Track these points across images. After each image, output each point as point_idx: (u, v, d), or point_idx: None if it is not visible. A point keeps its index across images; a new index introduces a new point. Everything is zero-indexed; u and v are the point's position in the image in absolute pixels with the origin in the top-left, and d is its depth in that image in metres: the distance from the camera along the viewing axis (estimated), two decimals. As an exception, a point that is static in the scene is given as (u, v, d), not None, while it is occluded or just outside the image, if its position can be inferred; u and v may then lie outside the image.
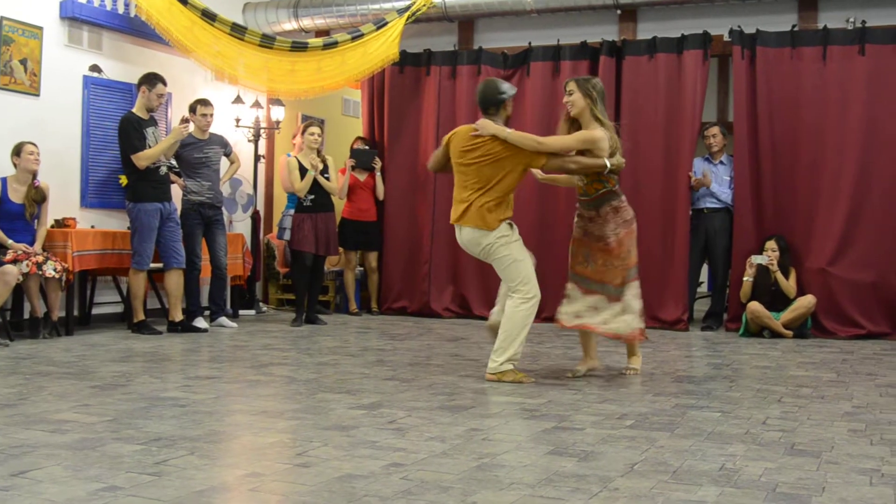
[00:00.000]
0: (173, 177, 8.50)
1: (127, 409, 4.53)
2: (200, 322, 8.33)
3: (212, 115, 8.69)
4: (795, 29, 8.91)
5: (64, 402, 4.70)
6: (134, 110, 8.06)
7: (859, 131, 8.61)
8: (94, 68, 8.65)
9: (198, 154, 8.60)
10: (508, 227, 5.71)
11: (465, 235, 5.76)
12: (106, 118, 8.64)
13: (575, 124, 5.81)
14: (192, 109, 8.63)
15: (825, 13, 8.99)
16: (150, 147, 7.94)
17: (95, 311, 8.71)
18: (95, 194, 8.68)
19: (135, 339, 7.59)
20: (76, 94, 8.51)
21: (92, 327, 8.39)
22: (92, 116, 8.61)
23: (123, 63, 8.91)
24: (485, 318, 6.59)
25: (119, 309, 8.92)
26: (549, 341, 7.94)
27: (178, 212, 8.40)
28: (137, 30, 8.81)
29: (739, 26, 9.02)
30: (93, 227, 8.41)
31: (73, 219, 8.07)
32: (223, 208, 9.05)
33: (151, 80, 8.03)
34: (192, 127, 8.32)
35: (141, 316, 8.03)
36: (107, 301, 8.88)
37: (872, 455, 3.79)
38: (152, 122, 8.12)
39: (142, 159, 7.88)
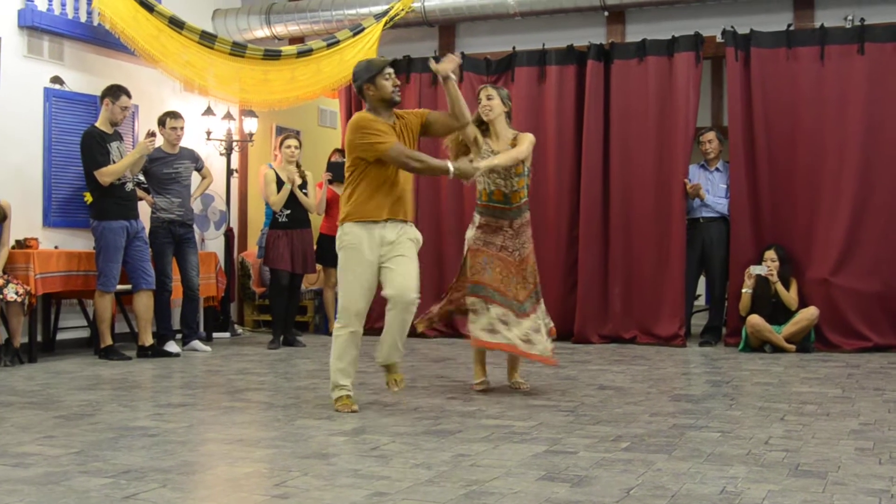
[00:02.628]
0: (142, 193, 8.31)
1: (94, 440, 4.45)
2: (172, 346, 8.15)
3: (182, 129, 8.50)
4: (791, 28, 8.78)
5: (27, 433, 4.62)
6: (97, 124, 7.86)
7: (860, 134, 8.45)
8: (56, 80, 8.44)
9: (167, 169, 8.39)
10: None
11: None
12: (69, 132, 8.41)
13: (482, 126, 5.85)
14: (162, 123, 8.43)
15: (822, 11, 8.88)
16: (114, 162, 7.74)
17: (60, 336, 8.49)
18: (59, 213, 8.45)
19: (102, 366, 7.42)
20: (37, 107, 8.30)
21: (56, 354, 8.21)
22: (54, 130, 8.38)
23: (87, 74, 8.72)
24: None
25: (85, 334, 8.70)
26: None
27: (147, 230, 8.24)
28: (101, 39, 8.63)
29: (733, 26, 8.88)
30: (56, 247, 8.20)
31: (36, 239, 7.87)
32: (195, 226, 8.88)
33: (115, 92, 7.83)
34: (158, 141, 8.13)
35: (108, 341, 7.84)
36: (72, 326, 8.65)
37: (881, 475, 3.74)
38: (117, 136, 7.92)
39: (105, 175, 7.67)
